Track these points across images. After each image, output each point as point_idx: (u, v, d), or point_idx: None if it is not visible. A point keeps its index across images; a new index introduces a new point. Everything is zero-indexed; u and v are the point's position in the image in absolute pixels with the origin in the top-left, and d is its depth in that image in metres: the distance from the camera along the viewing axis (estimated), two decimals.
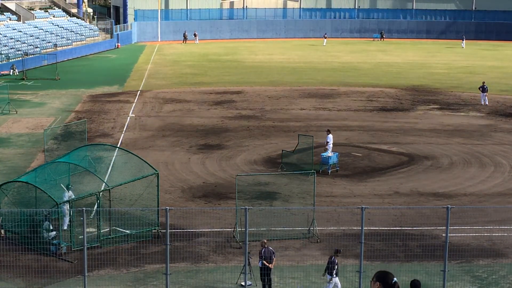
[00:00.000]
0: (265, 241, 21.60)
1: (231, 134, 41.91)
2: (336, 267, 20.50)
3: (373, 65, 75.06)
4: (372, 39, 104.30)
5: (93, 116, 46.87)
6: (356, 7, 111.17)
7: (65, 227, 24.61)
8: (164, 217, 20.70)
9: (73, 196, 25.08)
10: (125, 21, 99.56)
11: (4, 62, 68.78)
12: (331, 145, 35.14)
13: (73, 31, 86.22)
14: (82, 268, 19.34)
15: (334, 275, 20.49)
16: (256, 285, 21.27)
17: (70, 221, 24.43)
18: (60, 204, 24.12)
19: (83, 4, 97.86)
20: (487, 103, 51.91)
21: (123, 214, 26.18)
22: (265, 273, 20.94)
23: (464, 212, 27.65)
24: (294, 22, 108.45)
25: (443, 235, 21.44)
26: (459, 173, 34.16)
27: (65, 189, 25.48)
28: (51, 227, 23.81)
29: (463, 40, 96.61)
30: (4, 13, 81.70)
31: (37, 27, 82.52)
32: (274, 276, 21.51)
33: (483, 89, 52.19)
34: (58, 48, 79.49)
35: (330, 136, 35.34)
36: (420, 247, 24.49)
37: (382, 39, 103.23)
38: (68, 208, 24.47)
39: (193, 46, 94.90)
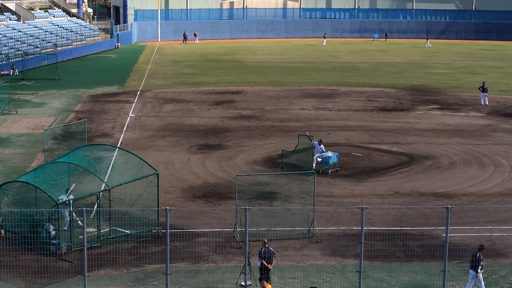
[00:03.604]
0: (266, 241, 21.59)
1: (231, 134, 41.92)
2: (481, 263, 20.66)
3: (373, 65, 75.08)
4: (372, 39, 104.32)
5: (93, 116, 46.88)
6: (356, 7, 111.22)
7: (65, 228, 24.59)
8: (164, 217, 20.70)
9: (71, 197, 25.04)
10: (125, 21, 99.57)
11: (4, 62, 68.78)
12: (318, 153, 34.42)
13: (73, 31, 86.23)
14: (82, 268, 19.33)
15: (480, 270, 20.62)
16: (256, 285, 21.26)
17: (70, 221, 24.43)
18: (59, 204, 24.10)
19: (83, 4, 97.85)
20: (487, 103, 51.92)
21: (123, 214, 26.19)
22: (264, 273, 20.92)
23: (464, 212, 27.65)
24: (294, 22, 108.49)
25: (443, 235, 21.44)
26: (459, 173, 34.16)
27: (64, 193, 25.42)
28: (52, 228, 23.79)
29: (427, 40, 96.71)
30: (4, 13, 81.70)
31: (37, 27, 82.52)
32: (274, 276, 21.51)
33: (483, 89, 52.20)
34: (58, 48, 79.49)
35: (321, 147, 34.58)
36: (420, 247, 24.50)
37: (385, 39, 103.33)
38: (70, 210, 24.42)
39: (193, 46, 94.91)
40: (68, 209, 24.37)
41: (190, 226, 25.94)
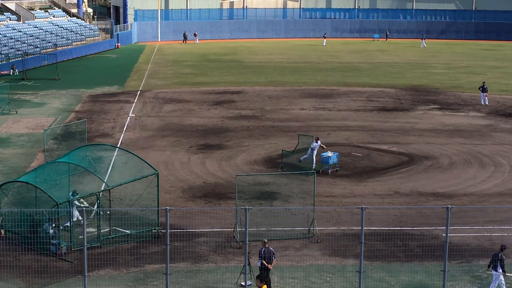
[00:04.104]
0: (266, 241, 21.60)
1: (231, 134, 41.92)
2: (503, 263, 20.77)
3: (373, 65, 75.08)
4: (372, 39, 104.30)
5: (93, 116, 46.87)
6: (356, 7, 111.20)
7: (68, 224, 24.55)
8: (164, 217, 20.71)
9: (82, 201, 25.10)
10: (125, 21, 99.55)
11: (4, 62, 68.77)
12: (315, 151, 34.60)
13: (73, 31, 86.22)
14: (82, 268, 19.33)
15: (501, 271, 20.71)
16: None
17: (70, 220, 24.43)
18: (60, 204, 24.11)
19: (83, 4, 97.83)
20: (487, 103, 51.92)
21: (123, 214, 26.19)
22: (263, 273, 20.90)
23: (464, 212, 27.66)
24: (294, 22, 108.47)
25: (443, 235, 21.45)
26: (459, 173, 34.16)
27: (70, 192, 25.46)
28: (51, 228, 23.78)
29: (423, 40, 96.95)
30: (4, 13, 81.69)
31: (37, 27, 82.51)
32: (274, 276, 21.52)
33: (483, 89, 52.20)
34: (58, 48, 79.48)
35: (317, 144, 34.77)
36: (420, 247, 24.50)
37: (386, 39, 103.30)
38: (76, 209, 24.46)
39: (193, 46, 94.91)
40: (77, 208, 24.42)
41: (190, 226, 25.95)
